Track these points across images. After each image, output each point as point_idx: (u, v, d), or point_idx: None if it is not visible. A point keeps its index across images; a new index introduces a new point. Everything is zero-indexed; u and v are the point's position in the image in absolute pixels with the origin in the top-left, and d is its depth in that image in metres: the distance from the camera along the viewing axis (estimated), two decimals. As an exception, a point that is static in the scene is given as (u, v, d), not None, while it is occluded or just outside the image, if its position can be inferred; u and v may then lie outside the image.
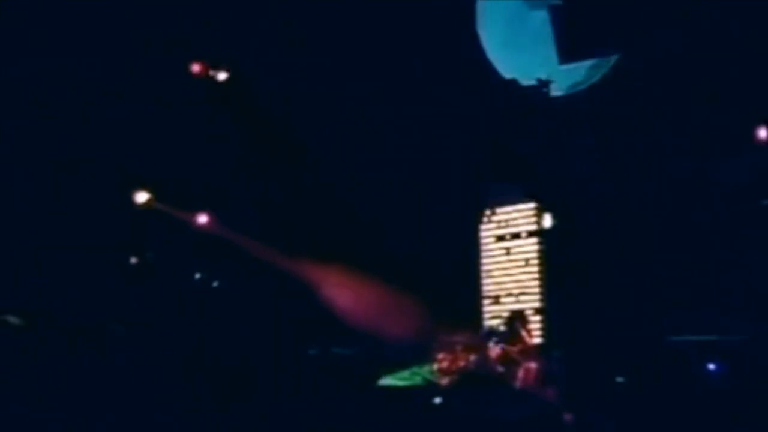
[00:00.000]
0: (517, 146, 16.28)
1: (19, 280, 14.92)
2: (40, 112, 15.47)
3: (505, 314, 15.07)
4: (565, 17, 16.25)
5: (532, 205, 16.21)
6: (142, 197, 15.80)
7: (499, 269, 16.39)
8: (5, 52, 15.18)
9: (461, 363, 14.30)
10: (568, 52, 16.26)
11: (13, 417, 12.88)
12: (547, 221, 15.89)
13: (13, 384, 13.32)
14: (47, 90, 15.47)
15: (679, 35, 15.15)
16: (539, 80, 16.25)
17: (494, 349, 13.96)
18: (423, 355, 14.73)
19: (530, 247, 16.20)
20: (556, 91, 16.38)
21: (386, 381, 14.86)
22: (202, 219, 16.10)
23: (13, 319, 14.47)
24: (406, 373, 14.80)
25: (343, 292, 15.73)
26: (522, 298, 15.92)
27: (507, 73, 16.54)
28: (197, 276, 16.42)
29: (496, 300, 16.13)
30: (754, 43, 14.75)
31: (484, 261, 16.51)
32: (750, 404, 12.82)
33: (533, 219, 16.17)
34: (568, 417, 12.94)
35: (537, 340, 14.95)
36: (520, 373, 13.72)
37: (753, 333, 14.18)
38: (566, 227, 15.90)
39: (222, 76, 16.00)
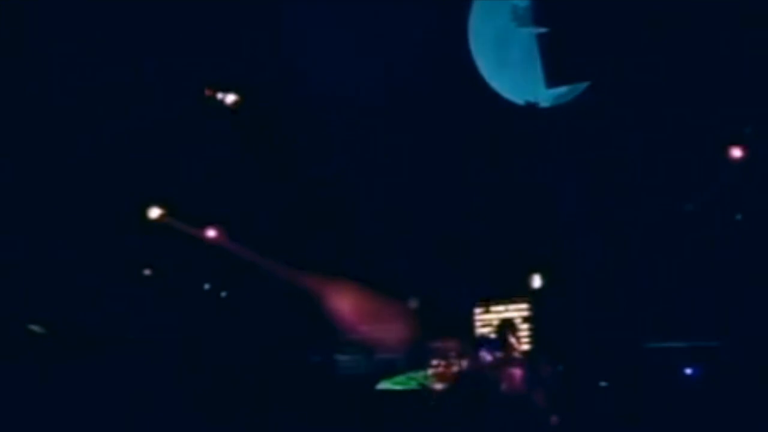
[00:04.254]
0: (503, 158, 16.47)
1: (40, 293, 15.23)
2: (59, 131, 15.78)
3: (496, 323, 14.74)
4: (551, 43, 16.45)
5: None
6: (154, 213, 16.14)
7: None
8: (32, 73, 15.58)
9: (454, 369, 14.52)
10: (553, 77, 16.48)
11: (33, 420, 13.47)
12: (536, 281, 15.88)
13: (35, 388, 13.88)
14: (66, 109, 15.78)
15: (657, 58, 15.50)
16: (527, 101, 16.46)
17: (485, 356, 13.79)
18: (419, 362, 15.01)
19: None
20: (542, 103, 16.55)
21: (384, 385, 15.19)
22: (211, 233, 16.37)
23: (36, 329, 14.90)
24: (402, 378, 15.10)
25: (344, 303, 15.95)
26: (511, 307, 15.90)
27: (504, 93, 16.73)
28: (206, 286, 16.72)
29: (487, 309, 16.12)
30: (727, 64, 15.13)
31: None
32: (727, 407, 13.36)
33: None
34: (554, 419, 13.10)
35: (525, 347, 14.90)
36: (509, 378, 13.50)
37: (728, 339, 14.56)
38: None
39: (230, 98, 16.29)
